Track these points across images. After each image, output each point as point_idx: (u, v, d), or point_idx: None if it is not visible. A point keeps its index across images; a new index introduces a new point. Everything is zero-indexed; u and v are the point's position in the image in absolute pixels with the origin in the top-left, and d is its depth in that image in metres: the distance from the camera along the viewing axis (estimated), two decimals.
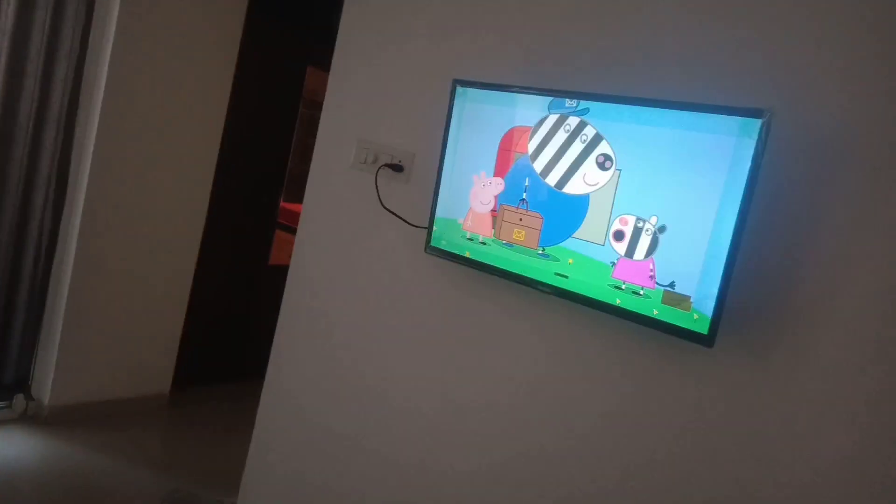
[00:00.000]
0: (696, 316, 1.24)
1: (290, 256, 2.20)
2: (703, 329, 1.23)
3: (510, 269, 1.54)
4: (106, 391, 2.93)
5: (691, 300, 1.25)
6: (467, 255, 1.63)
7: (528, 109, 1.51)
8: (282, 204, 3.58)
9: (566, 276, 1.43)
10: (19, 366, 2.75)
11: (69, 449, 2.61)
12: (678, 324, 1.27)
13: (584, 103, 1.41)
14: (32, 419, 2.77)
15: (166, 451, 2.85)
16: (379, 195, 1.90)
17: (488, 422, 1.67)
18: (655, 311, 1.30)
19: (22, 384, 2.78)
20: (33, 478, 2.38)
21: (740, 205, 1.19)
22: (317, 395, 2.07)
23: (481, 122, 1.59)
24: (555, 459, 1.55)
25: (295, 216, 2.62)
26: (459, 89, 1.63)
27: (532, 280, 1.50)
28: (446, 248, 1.67)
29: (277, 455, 2.16)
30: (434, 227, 1.70)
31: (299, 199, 2.23)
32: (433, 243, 1.70)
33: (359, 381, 1.96)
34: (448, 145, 1.66)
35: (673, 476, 1.38)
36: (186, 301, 3.14)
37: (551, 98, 1.47)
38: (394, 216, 1.88)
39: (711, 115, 1.23)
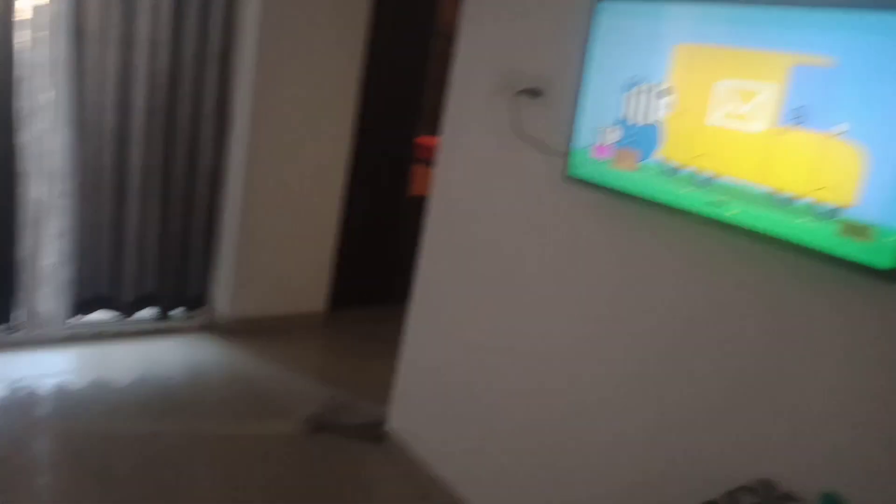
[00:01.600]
0: (878, 248, 1.10)
1: (428, 188, 2.24)
2: (886, 263, 1.09)
3: (657, 199, 1.45)
4: (270, 307, 3.28)
5: (875, 229, 1.11)
6: (608, 183, 1.55)
7: (688, 21, 1.37)
8: (419, 138, 3.63)
9: (722, 206, 1.32)
10: (199, 282, 3.14)
11: (241, 355, 2.98)
12: (856, 257, 1.13)
13: None
14: (212, 328, 3.19)
15: (324, 363, 3.15)
16: (516, 122, 1.86)
17: (633, 353, 1.64)
18: (830, 243, 1.17)
19: (202, 298, 3.19)
20: (218, 377, 2.78)
21: None
22: (458, 316, 2.15)
23: (628, 39, 1.47)
24: (698, 397, 1.49)
25: (431, 150, 2.65)
26: (600, 4, 1.51)
27: (683, 210, 1.40)
28: (586, 177, 1.61)
29: (424, 369, 2.30)
30: (573, 154, 1.63)
31: (435, 133, 2.24)
32: (571, 172, 1.64)
33: (497, 304, 2.00)
34: (589, 67, 1.56)
35: (844, 419, 1.28)
36: (335, 230, 3.37)
37: (722, 7, 1.31)
38: (532, 144, 1.83)
39: None
